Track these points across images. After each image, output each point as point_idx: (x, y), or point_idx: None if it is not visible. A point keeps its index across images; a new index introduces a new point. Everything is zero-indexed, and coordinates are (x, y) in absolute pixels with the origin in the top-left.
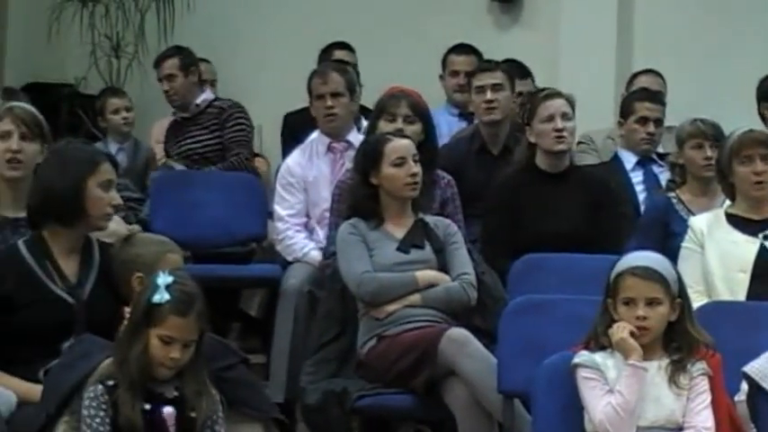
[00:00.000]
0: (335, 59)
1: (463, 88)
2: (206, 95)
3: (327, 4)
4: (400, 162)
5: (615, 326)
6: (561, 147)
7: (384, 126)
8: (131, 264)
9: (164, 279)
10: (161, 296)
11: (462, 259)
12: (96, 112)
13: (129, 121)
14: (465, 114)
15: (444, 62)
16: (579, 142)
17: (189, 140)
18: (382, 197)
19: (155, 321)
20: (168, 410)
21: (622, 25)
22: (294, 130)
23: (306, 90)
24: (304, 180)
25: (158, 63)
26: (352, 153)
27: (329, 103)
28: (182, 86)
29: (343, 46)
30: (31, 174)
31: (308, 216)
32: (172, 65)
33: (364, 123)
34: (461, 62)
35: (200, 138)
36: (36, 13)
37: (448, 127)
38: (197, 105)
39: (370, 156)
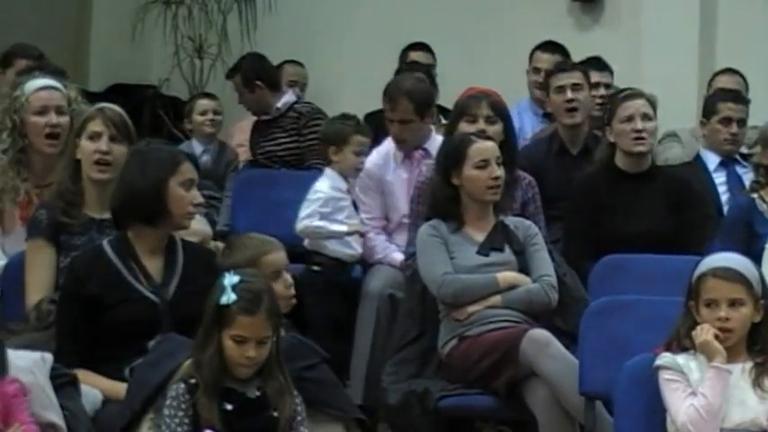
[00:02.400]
0: (410, 61)
1: (542, 86)
2: (287, 98)
3: (408, 3)
4: (483, 164)
5: (699, 328)
6: (640, 148)
7: (465, 127)
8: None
9: (230, 280)
10: (228, 297)
11: (543, 261)
12: (182, 114)
13: (216, 124)
14: (548, 114)
15: (531, 58)
16: (664, 137)
17: (269, 143)
18: (463, 198)
19: (225, 323)
20: None
21: (705, 24)
22: (375, 129)
23: None
24: (381, 182)
25: (228, 77)
26: (429, 161)
27: (397, 129)
28: (250, 101)
29: (421, 47)
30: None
31: (386, 219)
32: (235, 82)
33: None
34: (545, 60)
35: (281, 140)
36: (120, 16)
37: (532, 130)
38: (278, 108)
39: (452, 156)
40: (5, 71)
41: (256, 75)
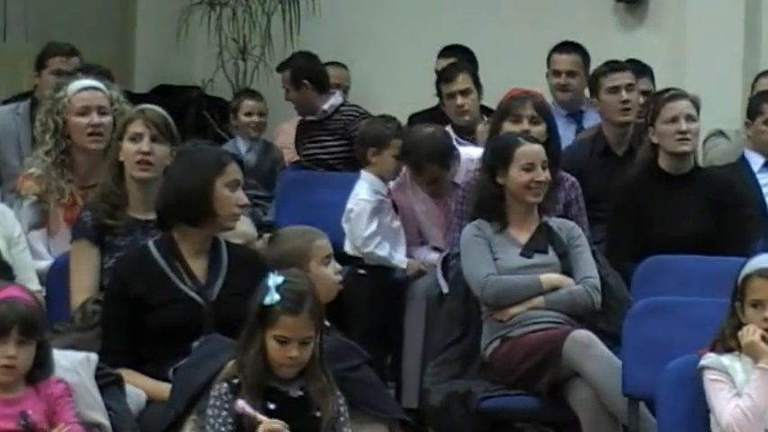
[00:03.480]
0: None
1: (565, 88)
2: (333, 100)
3: (450, 4)
4: (529, 167)
5: (745, 329)
6: (685, 148)
7: (509, 127)
8: (282, 263)
9: (274, 280)
10: (271, 297)
11: (586, 262)
12: (226, 115)
13: (261, 125)
14: (573, 115)
15: (548, 61)
16: (709, 136)
17: (314, 145)
18: (507, 198)
19: (268, 323)
20: (240, 405)
21: (749, 24)
22: None
23: (429, 91)
24: (412, 200)
25: (278, 71)
26: (471, 174)
27: (427, 190)
28: (295, 99)
29: (456, 51)
30: (161, 176)
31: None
32: (284, 78)
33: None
34: (563, 61)
35: (326, 143)
36: (165, 17)
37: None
38: (324, 111)
39: (499, 156)
40: (41, 73)
41: (305, 74)
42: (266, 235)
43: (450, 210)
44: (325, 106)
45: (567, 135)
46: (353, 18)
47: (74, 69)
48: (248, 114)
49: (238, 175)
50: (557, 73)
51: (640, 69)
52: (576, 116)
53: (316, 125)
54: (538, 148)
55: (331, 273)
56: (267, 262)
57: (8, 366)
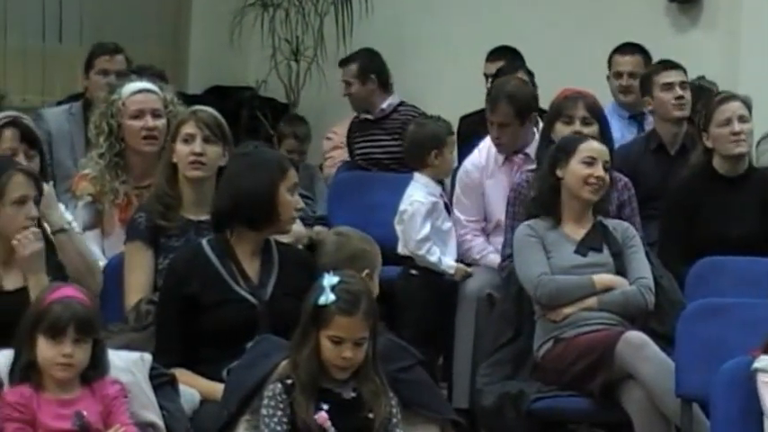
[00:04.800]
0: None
1: (627, 89)
2: (392, 100)
3: (502, 4)
4: (590, 161)
5: None
6: (740, 150)
7: (561, 128)
8: (361, 260)
9: (329, 280)
10: (326, 297)
11: (640, 263)
12: (279, 115)
13: (301, 154)
14: (635, 116)
15: (610, 62)
16: (762, 138)
17: (369, 143)
18: (564, 194)
19: (322, 323)
20: (323, 416)
21: None
22: (469, 132)
23: (480, 91)
24: (481, 184)
25: (341, 65)
26: (530, 166)
27: (495, 132)
28: (357, 93)
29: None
30: (213, 176)
31: (485, 220)
32: (349, 72)
33: None
34: (625, 62)
35: (382, 142)
36: (218, 19)
37: (620, 132)
38: (382, 110)
39: (563, 149)
40: (89, 74)
41: (373, 68)
42: (318, 227)
43: (514, 181)
44: (384, 105)
45: (628, 138)
46: (406, 18)
47: (120, 68)
48: (290, 152)
49: (297, 179)
50: (618, 75)
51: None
52: (637, 118)
53: (371, 124)
54: (603, 147)
55: (377, 284)
56: (339, 259)
57: (65, 365)
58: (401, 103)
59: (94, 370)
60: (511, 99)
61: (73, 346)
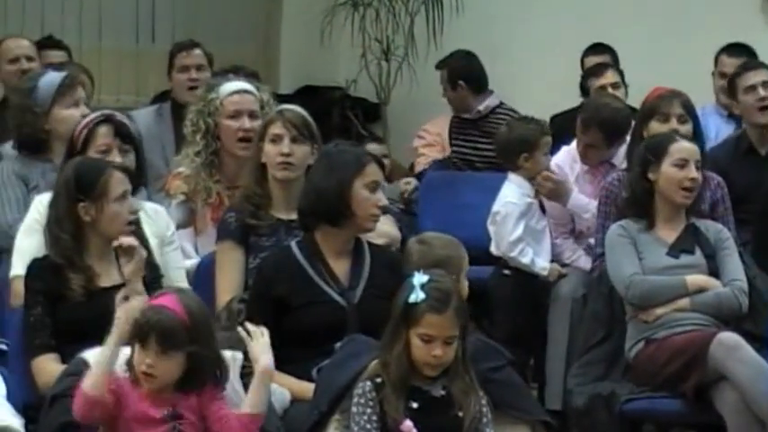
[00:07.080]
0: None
1: (727, 91)
2: (489, 101)
3: (595, 3)
4: (682, 163)
5: None
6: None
7: (657, 127)
8: (445, 266)
9: (419, 279)
10: (416, 296)
11: (734, 265)
12: (370, 115)
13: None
14: (733, 116)
15: (716, 61)
16: None
17: (467, 144)
18: (656, 196)
19: (413, 321)
20: (408, 425)
21: None
22: (560, 131)
23: (573, 91)
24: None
25: (437, 68)
26: (614, 174)
27: (582, 150)
28: (450, 98)
29: (601, 49)
30: (302, 175)
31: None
32: (441, 77)
33: None
34: (731, 64)
35: (478, 144)
36: (309, 18)
37: (716, 130)
38: (479, 111)
39: (653, 151)
40: (171, 74)
41: (460, 74)
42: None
43: (600, 187)
44: (481, 107)
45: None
46: (497, 17)
47: (200, 62)
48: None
49: (378, 177)
50: (723, 75)
51: None
52: (736, 117)
53: (470, 124)
54: (693, 147)
55: (465, 286)
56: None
57: (147, 374)
58: (499, 105)
59: (190, 383)
60: (603, 126)
61: (155, 357)
